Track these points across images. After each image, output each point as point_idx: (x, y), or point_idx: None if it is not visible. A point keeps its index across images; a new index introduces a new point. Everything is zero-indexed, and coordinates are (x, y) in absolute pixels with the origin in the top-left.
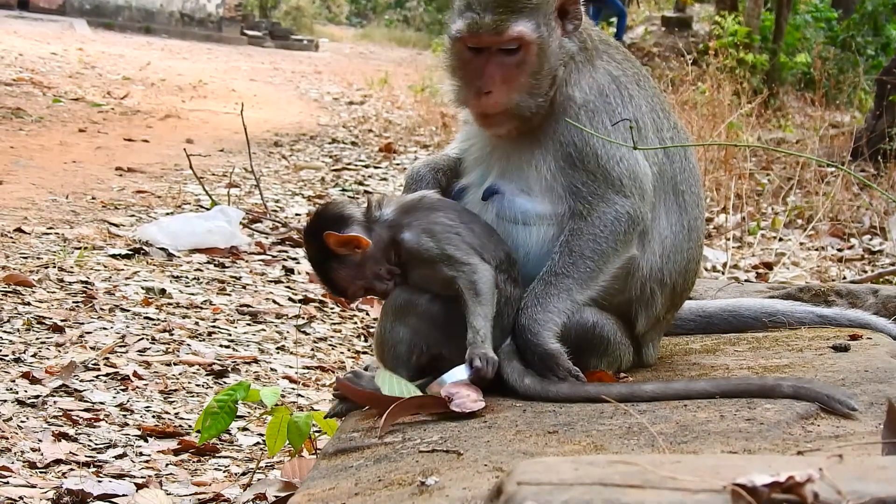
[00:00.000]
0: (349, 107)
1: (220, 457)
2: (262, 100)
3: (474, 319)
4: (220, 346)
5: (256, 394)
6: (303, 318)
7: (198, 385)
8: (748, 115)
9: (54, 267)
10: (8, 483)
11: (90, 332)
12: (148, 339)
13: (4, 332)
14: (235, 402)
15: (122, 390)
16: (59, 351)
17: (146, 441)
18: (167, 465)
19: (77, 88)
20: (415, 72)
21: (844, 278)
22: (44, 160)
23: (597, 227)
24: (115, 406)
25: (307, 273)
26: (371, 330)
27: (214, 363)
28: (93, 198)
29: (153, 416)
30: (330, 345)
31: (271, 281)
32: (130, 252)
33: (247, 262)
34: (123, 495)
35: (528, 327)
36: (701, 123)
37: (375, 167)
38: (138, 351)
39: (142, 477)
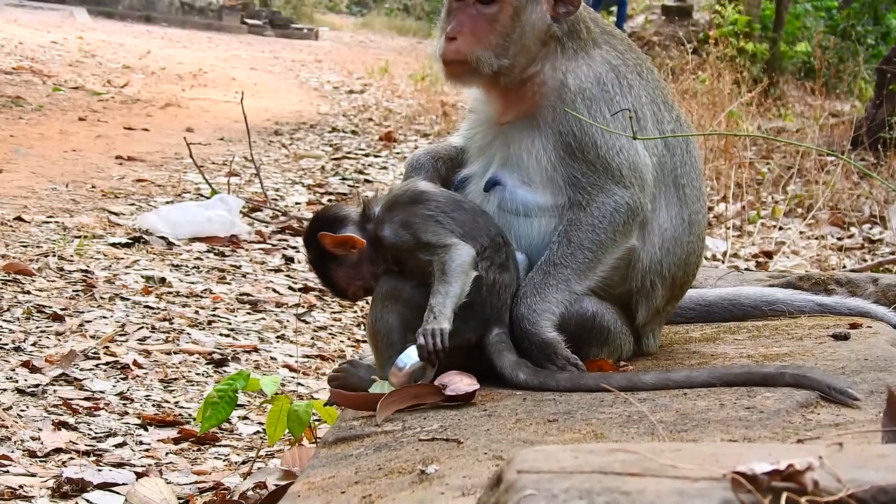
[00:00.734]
0: (349, 95)
1: (219, 445)
2: (262, 88)
3: (432, 297)
4: (220, 334)
5: (256, 383)
6: (303, 306)
7: (198, 374)
8: (748, 104)
9: (54, 255)
10: (8, 472)
11: (90, 321)
12: (148, 328)
13: (4, 320)
14: (235, 392)
15: (122, 379)
16: (59, 340)
17: (146, 430)
18: (167, 453)
19: (77, 77)
20: (415, 60)
21: (844, 267)
22: (44, 149)
23: (595, 218)
24: (115, 395)
25: (306, 260)
26: None
27: (214, 352)
28: (93, 186)
29: (153, 405)
30: (330, 333)
31: (271, 270)
32: (130, 241)
33: (247, 250)
34: (123, 484)
35: (525, 316)
36: (701, 112)
37: (375, 156)
38: (138, 340)
39: (142, 466)
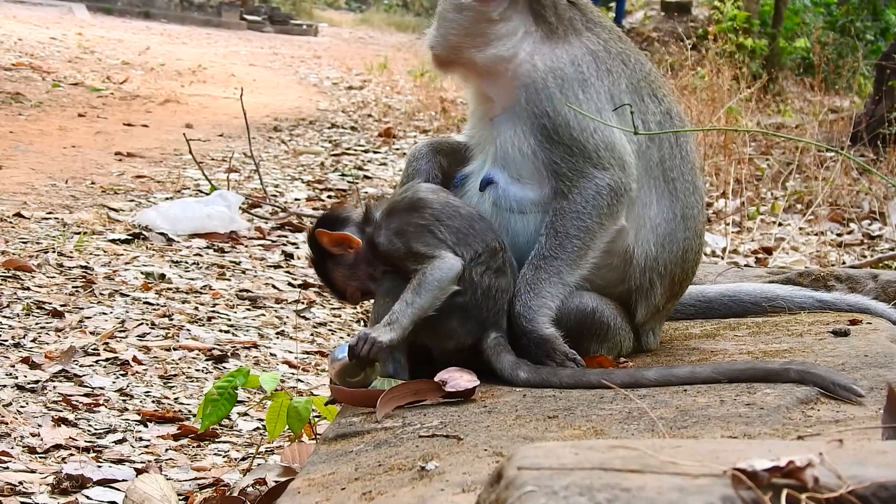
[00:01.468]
0: (348, 91)
1: (219, 442)
2: (262, 84)
3: (398, 303)
4: (220, 331)
5: (256, 379)
6: (302, 302)
7: (197, 370)
8: (747, 99)
9: (54, 252)
10: (8, 468)
11: (90, 317)
12: (147, 324)
13: (4, 317)
14: (235, 389)
15: (122, 375)
16: (59, 336)
17: (146, 426)
18: (167, 450)
19: (76, 73)
20: (414, 57)
21: (844, 263)
22: (43, 145)
23: (579, 205)
24: (115, 391)
25: (306, 258)
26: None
27: (214, 348)
28: (92, 183)
29: (153, 401)
30: (329, 330)
31: (271, 266)
32: (130, 237)
33: (246, 246)
34: (123, 480)
35: (521, 314)
36: (700, 108)
37: (375, 152)
38: (138, 336)
39: (141, 462)
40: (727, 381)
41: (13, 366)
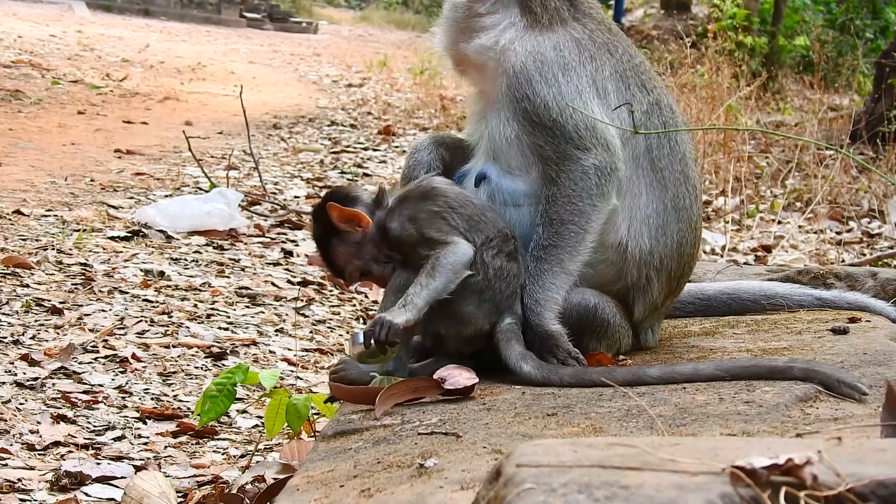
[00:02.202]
0: (348, 89)
1: (218, 439)
2: (261, 82)
3: (413, 286)
4: (219, 328)
5: (255, 376)
6: (301, 300)
7: (196, 367)
8: (747, 97)
9: (53, 249)
10: (7, 465)
11: (89, 315)
12: (147, 322)
13: (3, 314)
14: (234, 385)
15: (121, 372)
16: (58, 333)
17: (145, 423)
18: (166, 447)
19: (76, 70)
20: (414, 54)
21: (843, 261)
22: (42, 142)
23: (568, 189)
24: (114, 388)
25: (306, 255)
26: (370, 312)
27: (213, 345)
28: (91, 180)
29: (152, 399)
30: (329, 327)
31: (270, 263)
32: (129, 234)
33: (245, 244)
34: (122, 477)
35: (529, 307)
36: (700, 106)
37: (374, 150)
38: (137, 333)
39: (140, 459)
40: (731, 378)
41: (12, 363)
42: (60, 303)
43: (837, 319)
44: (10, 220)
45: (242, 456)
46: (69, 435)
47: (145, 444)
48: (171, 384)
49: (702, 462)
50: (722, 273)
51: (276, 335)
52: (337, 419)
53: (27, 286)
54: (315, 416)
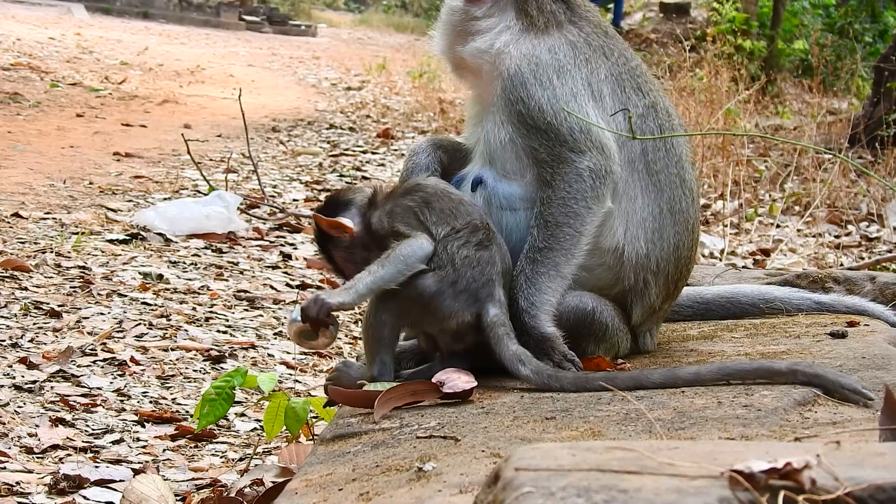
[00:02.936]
0: (347, 92)
1: (217, 442)
2: (260, 85)
3: (361, 272)
4: (218, 331)
5: (254, 380)
6: (300, 303)
7: (195, 370)
8: (746, 101)
9: (52, 252)
10: (5, 468)
11: (87, 318)
12: (145, 325)
13: (2, 317)
14: (233, 389)
15: (120, 376)
16: (57, 336)
17: (143, 426)
18: (164, 450)
19: (75, 73)
20: (413, 57)
21: (842, 265)
22: (41, 145)
23: (563, 191)
24: (113, 391)
25: (304, 259)
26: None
27: (212, 349)
28: (90, 183)
29: (150, 402)
30: None
31: (269, 266)
32: (128, 237)
33: (244, 247)
34: (120, 481)
35: (525, 310)
36: (699, 110)
37: (373, 153)
38: (135, 336)
39: (139, 462)
40: (733, 382)
41: (11, 366)
42: (59, 306)
43: (836, 323)
44: (8, 223)
45: (241, 459)
46: (67, 438)
47: (144, 447)
48: (170, 387)
49: (700, 466)
50: (720, 277)
51: (275, 338)
52: (335, 423)
53: (26, 289)
54: (314, 420)
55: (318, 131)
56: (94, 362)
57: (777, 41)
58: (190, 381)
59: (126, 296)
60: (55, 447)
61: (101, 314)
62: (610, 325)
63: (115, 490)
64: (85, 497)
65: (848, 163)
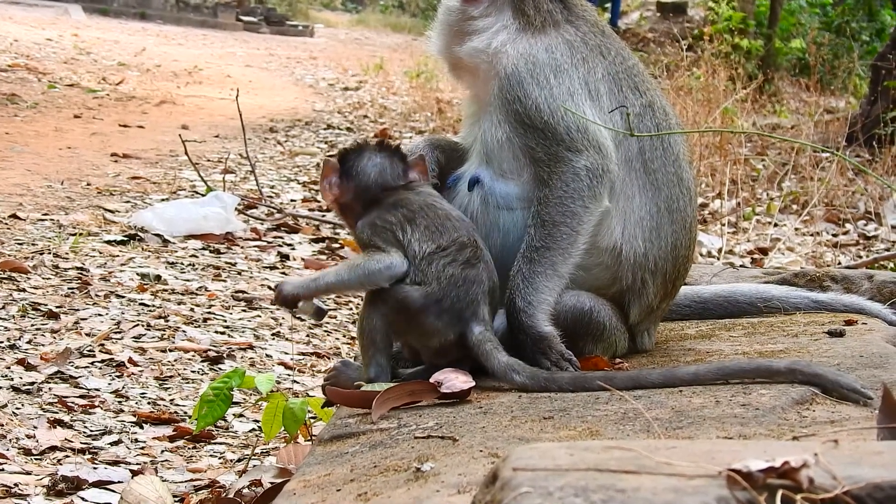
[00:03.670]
0: (344, 92)
1: (215, 443)
2: (258, 86)
3: (330, 268)
4: (216, 332)
5: (252, 381)
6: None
7: (193, 371)
8: (743, 100)
9: (49, 253)
10: (3, 470)
11: (85, 319)
12: (143, 326)
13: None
14: (231, 390)
15: (118, 377)
16: (55, 337)
17: (141, 427)
18: (162, 451)
19: (72, 74)
20: (410, 57)
21: (839, 263)
22: (39, 146)
23: (560, 190)
24: (111, 392)
25: (302, 259)
26: None
27: (210, 349)
28: (88, 184)
29: (148, 403)
30: (325, 331)
31: (266, 267)
32: (126, 238)
33: (242, 248)
34: (119, 482)
35: (522, 309)
36: (696, 109)
37: None
38: (133, 337)
39: (137, 463)
40: (732, 381)
41: (9, 367)
42: (57, 307)
43: (834, 322)
44: (6, 224)
45: (239, 460)
46: (66, 439)
47: (142, 448)
48: (168, 388)
49: (698, 465)
50: (718, 276)
51: (273, 339)
52: (333, 423)
53: (24, 290)
54: (312, 420)
55: (315, 132)
56: (92, 363)
57: (774, 40)
58: (188, 382)
59: (124, 297)
60: (53, 448)
61: (99, 315)
62: (607, 324)
63: (113, 491)
64: (83, 498)
65: (846, 161)
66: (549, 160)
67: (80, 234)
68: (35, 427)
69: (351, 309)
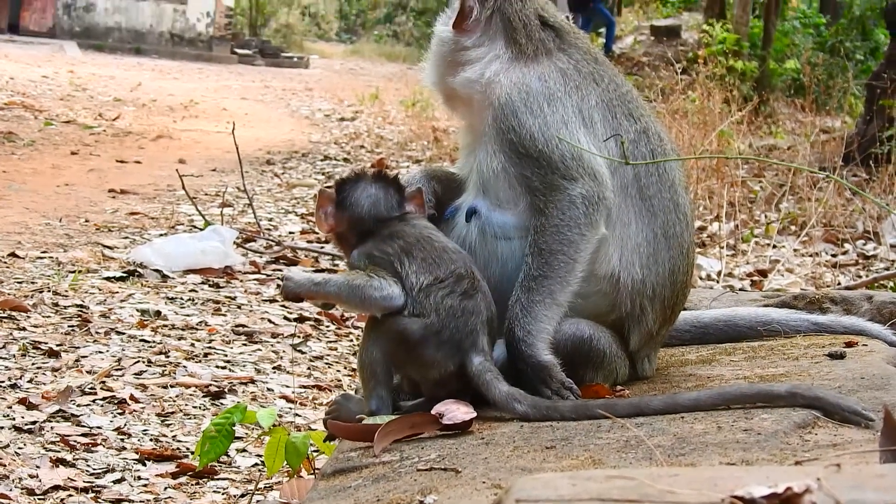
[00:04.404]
0: (340, 123)
1: (218, 479)
2: (254, 118)
3: (338, 275)
4: (217, 367)
5: (253, 415)
6: (298, 336)
7: (195, 407)
8: (739, 122)
9: (49, 291)
10: None
11: (86, 356)
12: (144, 362)
13: (0, 357)
14: (233, 425)
15: (119, 414)
16: (56, 376)
17: (144, 465)
18: (166, 488)
19: (68, 111)
20: (405, 87)
21: (839, 284)
22: (36, 184)
23: (556, 219)
24: (113, 430)
25: None
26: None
27: (211, 384)
28: (86, 220)
29: (151, 440)
30: (326, 363)
31: (266, 300)
32: (125, 274)
33: (241, 281)
34: None
35: (521, 339)
36: (692, 132)
37: None
38: (134, 374)
39: (141, 501)
40: (733, 406)
41: (10, 407)
42: (57, 345)
43: (834, 344)
44: (5, 262)
45: (243, 495)
46: (69, 478)
47: (145, 485)
48: (170, 425)
49: (701, 493)
50: (717, 300)
51: (274, 372)
52: (336, 457)
53: (24, 329)
54: (314, 454)
55: (312, 163)
56: (93, 401)
57: (768, 61)
58: (190, 418)
59: (124, 333)
60: (56, 488)
61: (100, 352)
62: (607, 351)
63: None
64: None
65: (842, 183)
66: (545, 189)
67: (80, 272)
68: (38, 466)
69: (352, 341)
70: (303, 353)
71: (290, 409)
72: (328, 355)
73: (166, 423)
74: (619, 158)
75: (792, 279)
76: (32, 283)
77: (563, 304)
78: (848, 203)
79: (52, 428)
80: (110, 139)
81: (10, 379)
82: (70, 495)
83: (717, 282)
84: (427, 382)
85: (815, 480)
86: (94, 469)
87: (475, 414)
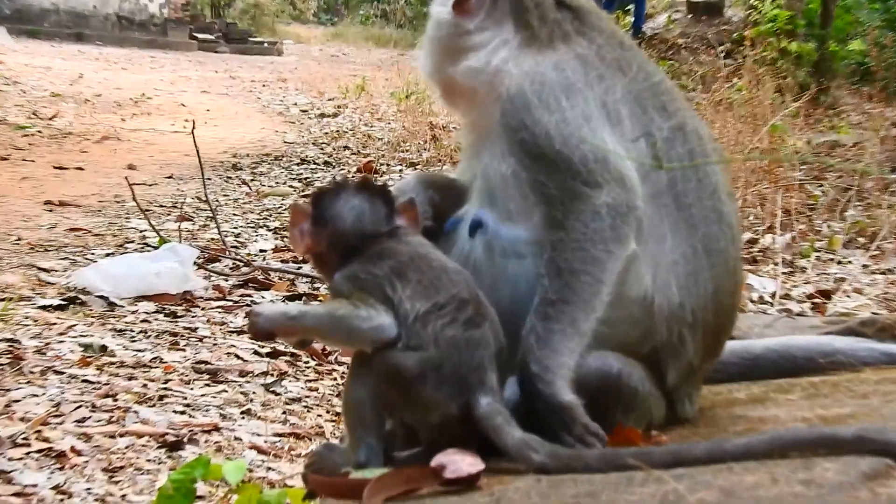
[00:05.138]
0: (320, 120)
1: None
2: (217, 115)
3: (315, 305)
4: (174, 412)
5: (219, 469)
6: (272, 375)
7: (148, 460)
8: (794, 115)
9: None
10: None
11: (18, 401)
12: (87, 407)
13: None
14: (194, 482)
15: (59, 469)
16: None
17: None
18: None
19: None
20: (397, 76)
21: None
22: None
23: (578, 232)
24: (51, 489)
25: None
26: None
27: (167, 433)
28: (18, 239)
29: (96, 500)
30: (305, 406)
31: (233, 332)
32: (64, 302)
33: (203, 309)
34: None
35: (539, 375)
36: (738, 127)
37: None
38: (76, 421)
39: None
40: (791, 454)
41: None
42: None
43: None
44: None
45: None
46: None
47: None
48: (119, 481)
49: None
50: (771, 327)
51: (243, 418)
52: None
53: None
54: None
55: (287, 168)
56: (27, 454)
57: (828, 42)
58: (142, 473)
59: (64, 373)
60: None
61: (35, 395)
62: (640, 389)
63: None
64: None
65: None
66: (564, 197)
67: (11, 299)
68: None
69: (335, 379)
70: (277, 394)
71: (263, 461)
72: (307, 397)
73: (114, 479)
74: (651, 161)
75: (860, 301)
76: None
77: (587, 333)
78: None
79: None
80: (47, 141)
81: None
82: None
83: (771, 305)
84: (425, 428)
85: None
86: None
87: (483, 466)
